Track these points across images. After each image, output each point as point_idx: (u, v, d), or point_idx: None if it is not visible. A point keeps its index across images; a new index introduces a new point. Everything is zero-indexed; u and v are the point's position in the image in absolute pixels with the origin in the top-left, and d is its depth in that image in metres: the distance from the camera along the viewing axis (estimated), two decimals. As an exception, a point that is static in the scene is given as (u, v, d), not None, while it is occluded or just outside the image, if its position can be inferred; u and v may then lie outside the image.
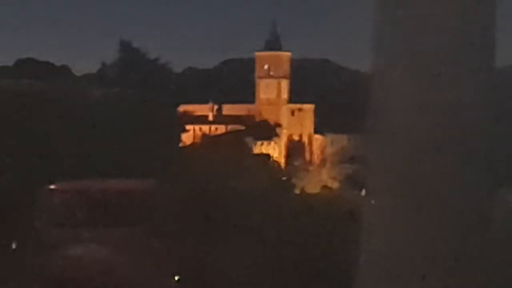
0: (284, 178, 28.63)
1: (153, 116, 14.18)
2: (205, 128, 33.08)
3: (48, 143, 11.66)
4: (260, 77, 39.19)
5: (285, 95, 38.24)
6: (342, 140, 33.59)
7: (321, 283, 9.02)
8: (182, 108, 25.42)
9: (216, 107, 35.39)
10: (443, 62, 7.90)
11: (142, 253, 10.45)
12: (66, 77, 23.26)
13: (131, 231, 10.64)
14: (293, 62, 39.68)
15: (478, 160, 7.60)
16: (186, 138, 26.44)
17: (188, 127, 26.72)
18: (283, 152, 35.53)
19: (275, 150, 34.34)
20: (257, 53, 39.40)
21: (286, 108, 37.15)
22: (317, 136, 37.07)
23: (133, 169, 11.89)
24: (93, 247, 10.38)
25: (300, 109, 37.84)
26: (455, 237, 7.26)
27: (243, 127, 32.86)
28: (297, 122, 37.57)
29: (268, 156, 31.64)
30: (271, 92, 38.05)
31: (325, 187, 31.50)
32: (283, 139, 36.20)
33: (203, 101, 33.60)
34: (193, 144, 28.32)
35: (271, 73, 38.92)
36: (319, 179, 32.99)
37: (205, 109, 33.52)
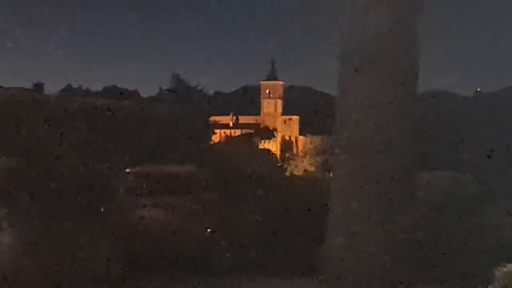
0: (279, 165, 28.52)
1: (194, 124, 14.17)
2: (227, 131, 33.04)
3: (128, 141, 11.68)
4: (264, 98, 38.97)
5: (279, 110, 38.01)
6: (317, 140, 33.54)
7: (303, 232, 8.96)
8: (212, 118, 25.46)
9: (234, 118, 35.32)
10: (380, 93, 7.77)
11: (186, 214, 10.49)
12: (139, 98, 23.21)
13: (179, 200, 10.69)
14: (285, 88, 39.60)
15: (405, 152, 7.63)
16: (215, 138, 26.35)
17: (216, 131, 26.74)
18: (279, 148, 35.44)
19: (273, 146, 34.27)
20: (262, 82, 39.25)
21: (280, 119, 37.01)
22: (300, 137, 36.86)
23: (181, 159, 11.90)
24: (154, 210, 10.45)
25: (289, 119, 37.69)
26: (391, 203, 7.29)
27: (252, 131, 32.90)
28: (288, 128, 37.42)
29: (269, 150, 31.66)
30: (271, 108, 37.91)
31: (305, 170, 31.47)
32: (278, 139, 36.06)
33: (226, 114, 33.59)
34: (219, 142, 28.26)
35: (271, 95, 38.77)
36: (302, 165, 32.97)
37: (228, 119, 33.49)
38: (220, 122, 27.15)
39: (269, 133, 28.28)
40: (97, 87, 23.09)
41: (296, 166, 27.58)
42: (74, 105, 12.77)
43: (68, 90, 21.03)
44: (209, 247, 9.66)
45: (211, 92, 26.59)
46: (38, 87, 19.09)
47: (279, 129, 30.78)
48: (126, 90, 22.66)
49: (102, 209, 10.13)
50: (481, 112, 21.44)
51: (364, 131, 6.61)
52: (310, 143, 29.59)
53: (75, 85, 22.28)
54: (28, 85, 19.56)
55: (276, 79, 30.96)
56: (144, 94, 24.30)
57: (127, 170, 11.19)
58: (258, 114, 30.39)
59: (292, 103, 29.36)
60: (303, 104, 27.00)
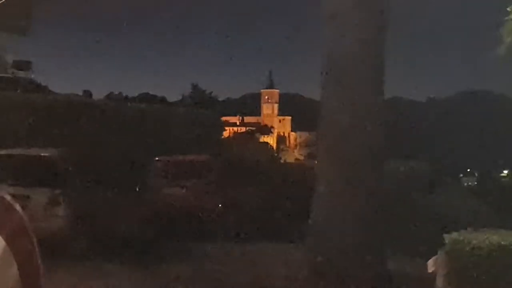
0: (275, 154, 28.53)
1: (209, 123, 14.13)
2: (235, 129, 32.99)
3: (157, 136, 11.59)
4: (263, 103, 38.95)
5: (276, 111, 38.01)
6: (305, 135, 33.53)
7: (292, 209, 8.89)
8: (224, 118, 25.41)
9: (240, 118, 35.29)
10: (363, 95, 7.61)
11: (202, 193, 10.49)
12: (167, 103, 23.21)
13: (197, 182, 10.69)
14: (280, 94, 39.49)
15: (375, 145, 7.52)
16: (225, 134, 26.39)
17: (226, 128, 26.71)
18: (275, 141, 35.47)
19: (271, 140, 34.28)
20: (262, 90, 39.29)
21: (276, 119, 37.03)
22: (292, 133, 36.89)
23: (198, 150, 11.85)
24: (177, 189, 10.45)
25: (284, 119, 37.68)
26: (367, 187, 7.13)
27: (254, 128, 32.87)
28: (282, 126, 37.42)
29: (267, 143, 31.66)
30: (269, 110, 37.86)
31: (296, 159, 31.49)
32: (275, 135, 36.10)
33: (234, 115, 33.55)
34: (228, 137, 28.24)
35: (269, 100, 38.71)
36: (293, 155, 32.97)
37: (235, 119, 33.48)
38: (229, 122, 27.18)
39: (267, 130, 28.35)
40: (133, 93, 23.05)
41: (288, 156, 27.60)
42: (117, 108, 12.84)
43: (111, 96, 21.00)
44: (219, 219, 9.68)
45: (222, 97, 26.60)
46: (87, 93, 19.06)
47: (275, 127, 30.91)
48: (156, 96, 22.62)
49: (137, 189, 10.17)
50: (435, 115, 21.58)
51: (342, 129, 6.66)
52: (300, 137, 29.61)
53: (116, 92, 22.23)
54: (79, 91, 19.52)
55: (273, 87, 31.08)
56: (170, 99, 24.24)
57: (157, 159, 11.21)
58: (259, 115, 30.54)
59: (285, 106, 29.51)
60: (294, 107, 27.06)
